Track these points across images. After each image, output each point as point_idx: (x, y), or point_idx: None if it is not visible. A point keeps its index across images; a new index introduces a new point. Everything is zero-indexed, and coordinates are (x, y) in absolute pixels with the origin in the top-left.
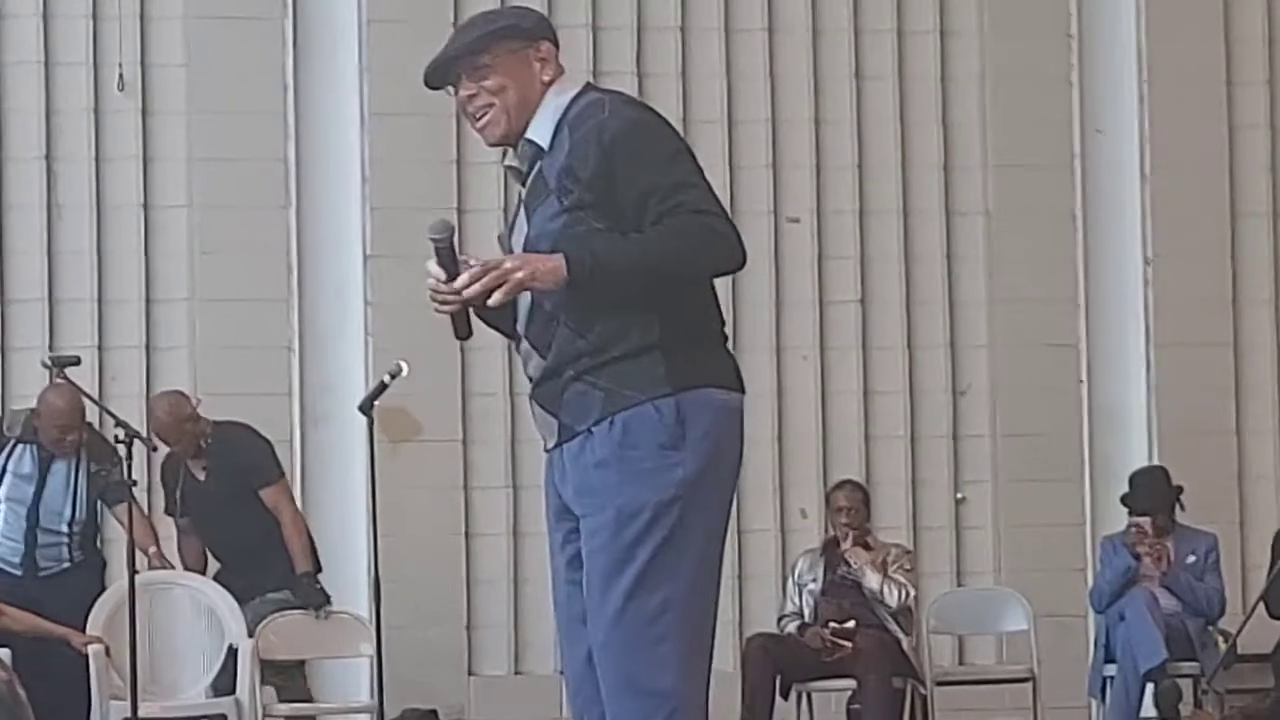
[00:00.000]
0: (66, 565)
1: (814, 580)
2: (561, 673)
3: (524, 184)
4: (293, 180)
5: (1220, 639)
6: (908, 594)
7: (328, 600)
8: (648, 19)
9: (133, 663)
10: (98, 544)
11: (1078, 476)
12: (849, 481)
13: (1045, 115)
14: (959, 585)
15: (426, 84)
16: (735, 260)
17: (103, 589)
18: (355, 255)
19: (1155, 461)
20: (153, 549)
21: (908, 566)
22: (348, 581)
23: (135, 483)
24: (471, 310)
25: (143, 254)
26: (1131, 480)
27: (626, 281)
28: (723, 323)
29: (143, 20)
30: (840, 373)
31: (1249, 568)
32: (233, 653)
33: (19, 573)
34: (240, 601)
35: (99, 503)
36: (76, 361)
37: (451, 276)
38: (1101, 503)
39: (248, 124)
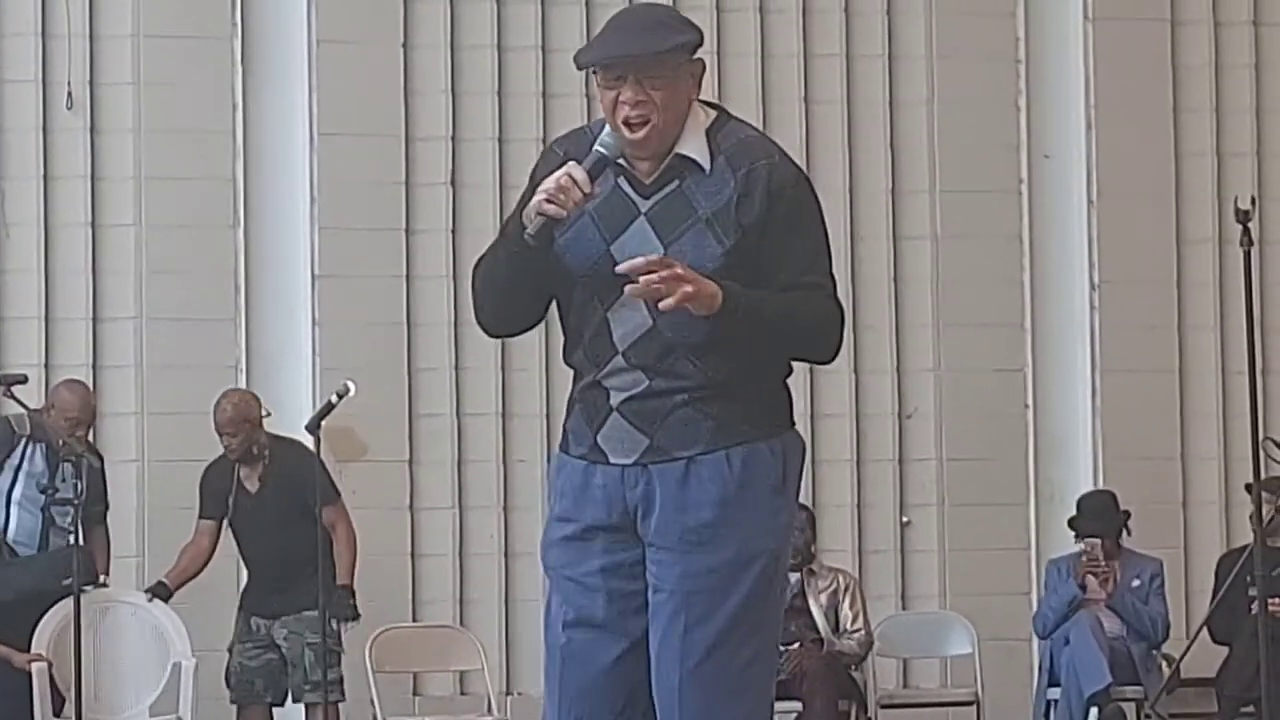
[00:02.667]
0: None
1: None
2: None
3: (641, 194)
4: (241, 200)
5: (1164, 663)
6: (868, 642)
7: (358, 616)
8: None
9: (77, 681)
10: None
11: (1023, 501)
12: None
13: (993, 140)
14: (904, 609)
15: (580, 66)
16: (832, 355)
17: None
18: (303, 275)
19: (1100, 486)
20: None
21: (859, 608)
22: None
23: (81, 500)
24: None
25: (90, 272)
26: (1079, 504)
27: (759, 336)
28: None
29: (92, 39)
30: None
31: (1193, 592)
32: (177, 671)
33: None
34: (268, 617)
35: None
36: (23, 380)
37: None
38: (1046, 527)
39: (196, 143)
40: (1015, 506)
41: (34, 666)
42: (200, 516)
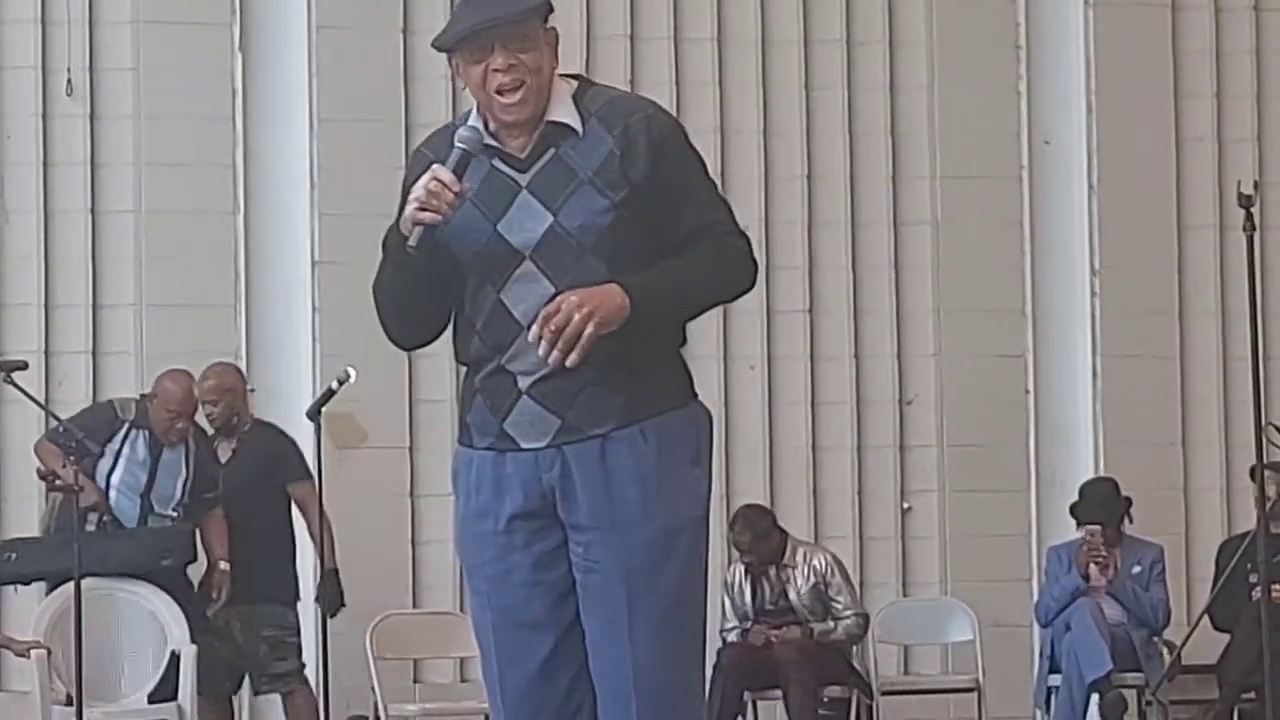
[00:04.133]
0: None
1: (747, 593)
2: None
3: (518, 169)
4: (241, 186)
5: (1165, 650)
6: (863, 622)
7: (343, 604)
8: (596, 29)
9: (78, 669)
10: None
11: (1024, 487)
12: (740, 514)
13: (993, 126)
14: (905, 595)
15: (442, 47)
16: (751, 285)
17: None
18: (303, 261)
19: (1101, 472)
20: None
21: (847, 587)
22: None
23: (81, 488)
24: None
25: (90, 259)
26: (1081, 491)
27: (675, 313)
28: None
29: (91, 25)
30: (787, 382)
31: (1194, 579)
32: (175, 658)
33: None
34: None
35: (203, 489)
36: (24, 366)
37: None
38: (1047, 513)
39: (196, 129)
40: (1016, 492)
41: (33, 654)
42: None
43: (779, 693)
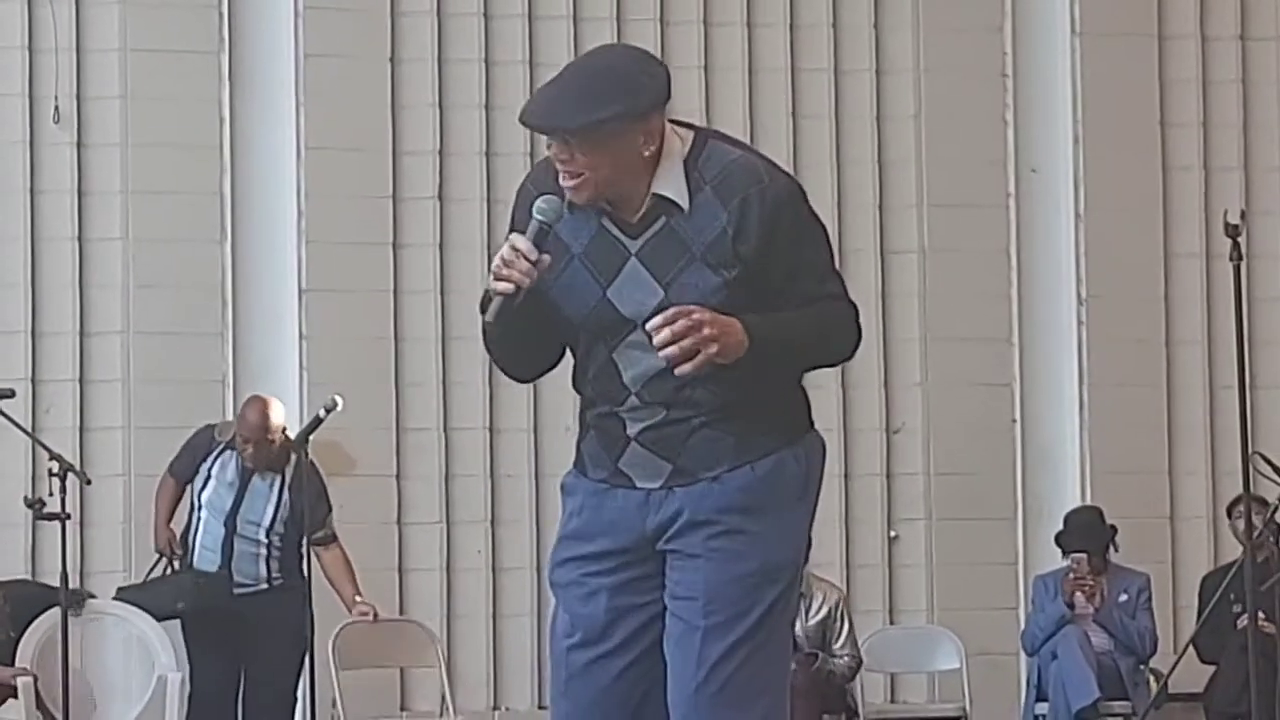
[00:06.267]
0: (264, 586)
1: None
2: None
3: (629, 234)
4: (228, 214)
5: (1152, 678)
6: (856, 667)
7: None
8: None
9: (65, 695)
10: (302, 570)
11: (1011, 515)
12: None
13: (980, 155)
14: (891, 623)
15: (523, 122)
16: (852, 354)
17: (307, 616)
18: (290, 289)
19: (1088, 500)
20: None
21: (847, 627)
22: None
23: (69, 516)
24: (514, 303)
25: (77, 286)
26: (1066, 520)
27: (783, 363)
28: None
29: (78, 53)
30: None
31: (1180, 607)
32: (162, 684)
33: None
34: None
35: (301, 525)
36: (10, 394)
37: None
38: (1034, 542)
39: (183, 157)
40: (1003, 521)
41: (19, 681)
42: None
43: None
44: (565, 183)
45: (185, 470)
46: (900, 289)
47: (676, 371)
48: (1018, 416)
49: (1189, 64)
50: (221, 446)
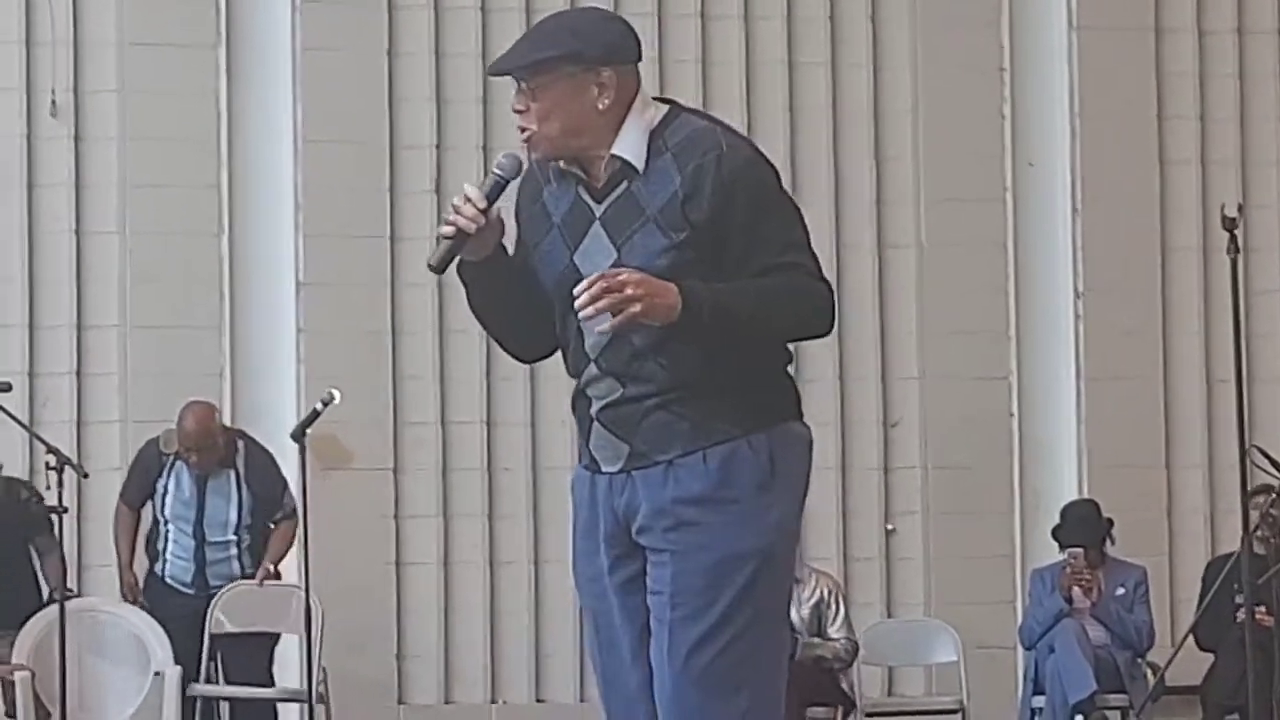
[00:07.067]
0: (238, 580)
1: None
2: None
3: (595, 199)
4: (225, 207)
5: (1149, 671)
6: (852, 650)
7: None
8: None
9: (62, 691)
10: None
11: (1008, 509)
12: None
13: (977, 149)
14: (889, 616)
15: (491, 73)
16: (828, 330)
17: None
18: (288, 282)
19: (1085, 494)
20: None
21: (842, 613)
22: None
23: (65, 509)
24: (459, 258)
25: (74, 280)
26: (1063, 514)
27: (731, 330)
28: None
29: (76, 46)
30: None
31: (1178, 600)
32: (159, 681)
33: (191, 591)
34: None
35: (268, 510)
36: (8, 388)
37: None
38: (1031, 535)
39: (181, 150)
40: (1000, 514)
41: (16, 676)
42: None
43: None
44: (521, 137)
45: (138, 495)
46: (897, 283)
47: (597, 330)
48: (1015, 410)
49: (1186, 58)
50: (171, 460)
